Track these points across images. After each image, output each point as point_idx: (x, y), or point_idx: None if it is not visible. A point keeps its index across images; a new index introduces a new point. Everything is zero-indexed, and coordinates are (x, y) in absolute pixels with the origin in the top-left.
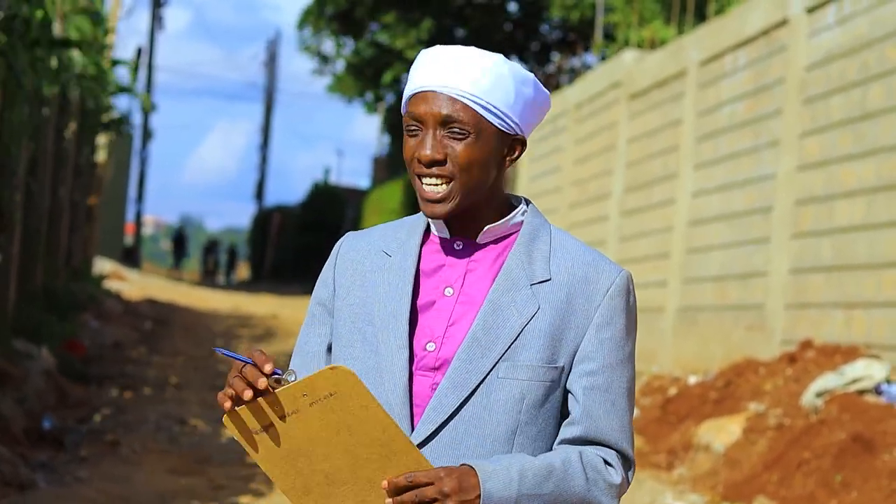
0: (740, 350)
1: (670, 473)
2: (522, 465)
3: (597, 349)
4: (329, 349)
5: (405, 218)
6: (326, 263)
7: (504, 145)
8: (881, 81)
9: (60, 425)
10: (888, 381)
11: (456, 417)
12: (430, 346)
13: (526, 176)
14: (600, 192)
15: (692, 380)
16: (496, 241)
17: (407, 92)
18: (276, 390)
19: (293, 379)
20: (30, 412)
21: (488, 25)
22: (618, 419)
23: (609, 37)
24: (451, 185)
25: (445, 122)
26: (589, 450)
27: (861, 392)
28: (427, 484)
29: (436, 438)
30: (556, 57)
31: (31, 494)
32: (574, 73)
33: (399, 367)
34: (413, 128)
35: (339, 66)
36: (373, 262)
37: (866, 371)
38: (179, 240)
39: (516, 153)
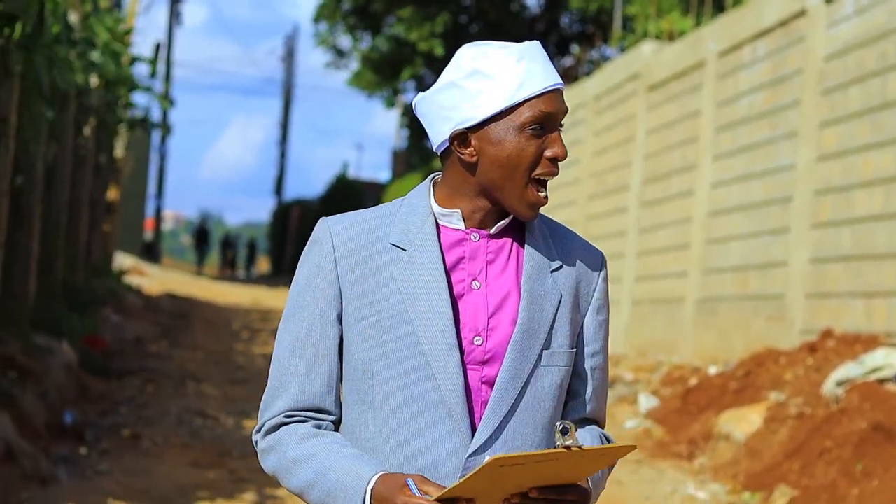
0: (760, 340)
1: (691, 463)
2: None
3: (597, 331)
4: (340, 350)
5: (390, 205)
6: (316, 252)
7: None
8: None
9: (81, 419)
10: None
11: (514, 410)
12: (478, 341)
13: None
14: (619, 184)
15: (712, 370)
16: (503, 232)
17: (525, 91)
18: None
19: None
20: (51, 406)
21: (506, 18)
22: (605, 399)
23: (627, 28)
24: None
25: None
26: (593, 429)
27: (881, 381)
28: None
29: (498, 432)
30: (574, 49)
31: (52, 488)
32: (593, 65)
33: (453, 366)
34: (536, 127)
35: (355, 60)
36: (383, 256)
37: (887, 360)
38: (202, 235)
39: None
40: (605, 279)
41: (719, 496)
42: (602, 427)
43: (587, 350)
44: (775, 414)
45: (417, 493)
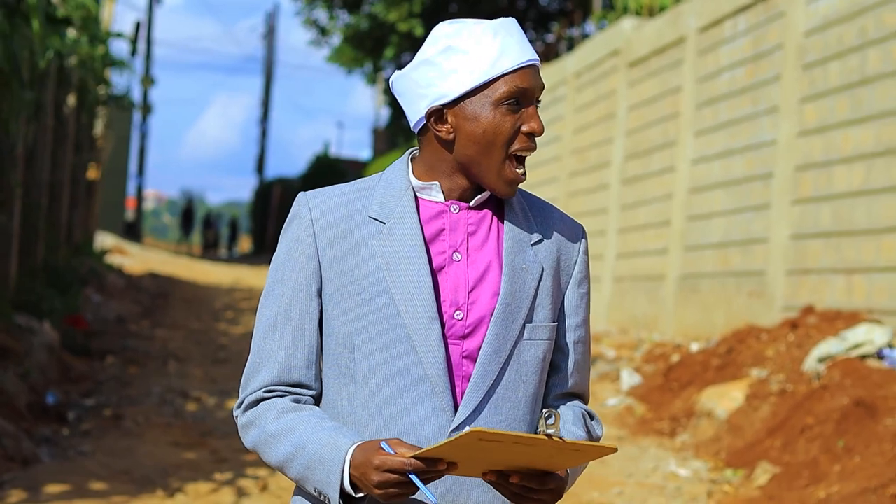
0: (742, 317)
1: (673, 440)
2: (574, 422)
3: (578, 304)
4: (320, 324)
5: (367, 179)
6: (295, 226)
7: None
8: (879, 46)
9: (63, 400)
10: (890, 346)
11: (497, 384)
12: (458, 315)
13: None
14: (600, 161)
15: (694, 347)
16: (483, 205)
17: (501, 66)
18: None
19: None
20: (32, 387)
21: None
22: (588, 373)
23: (608, 5)
24: None
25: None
26: (578, 405)
27: (863, 357)
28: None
29: (481, 407)
30: (554, 26)
31: (34, 469)
32: (573, 42)
33: (434, 339)
34: (512, 102)
35: (337, 38)
36: (362, 229)
37: (868, 336)
38: (188, 213)
39: None
40: (586, 252)
41: (701, 473)
42: (586, 402)
43: (569, 323)
44: (757, 391)
45: (393, 453)
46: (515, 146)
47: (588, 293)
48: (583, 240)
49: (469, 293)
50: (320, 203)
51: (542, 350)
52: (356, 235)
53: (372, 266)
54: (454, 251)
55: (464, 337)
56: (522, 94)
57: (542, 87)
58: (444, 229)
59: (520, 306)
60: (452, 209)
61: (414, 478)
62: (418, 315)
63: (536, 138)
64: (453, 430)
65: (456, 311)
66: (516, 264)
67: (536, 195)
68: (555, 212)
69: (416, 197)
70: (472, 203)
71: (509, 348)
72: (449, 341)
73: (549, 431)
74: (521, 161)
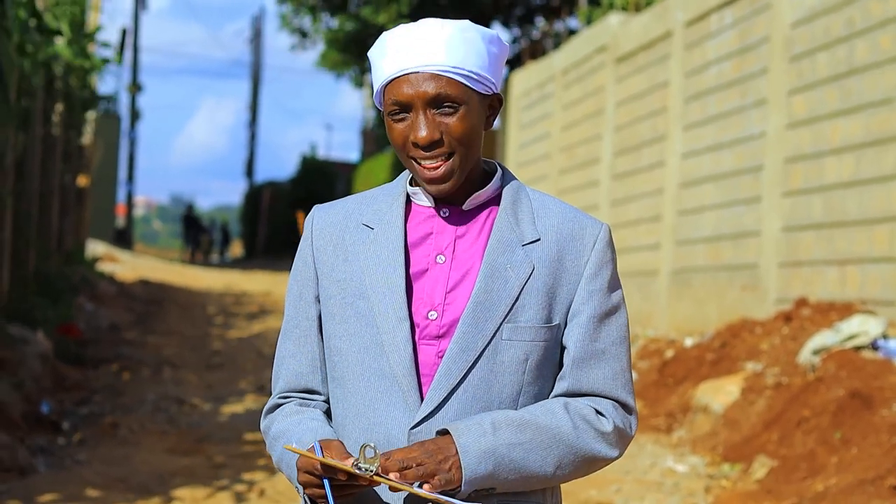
0: (735, 310)
1: (670, 436)
2: (494, 417)
3: (586, 301)
4: (320, 329)
5: (376, 189)
6: (302, 241)
7: (485, 107)
8: (866, 37)
9: (58, 409)
10: (884, 337)
11: (464, 382)
12: (433, 315)
13: (514, 143)
14: (590, 157)
15: (688, 342)
16: (480, 207)
17: (382, 78)
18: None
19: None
20: (27, 396)
21: None
22: (609, 368)
23: (593, 0)
24: (451, 160)
25: (435, 101)
26: (579, 400)
27: (858, 348)
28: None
29: (446, 405)
30: (540, 22)
31: (30, 479)
32: (559, 38)
33: (402, 339)
34: (398, 112)
35: (319, 41)
36: (353, 235)
37: (862, 327)
38: (189, 220)
39: (496, 111)
40: (605, 249)
41: (699, 468)
42: (611, 398)
43: (576, 321)
44: (752, 384)
45: (319, 456)
46: (412, 154)
47: (604, 289)
48: (599, 235)
49: (448, 294)
50: (322, 214)
51: (523, 351)
52: (348, 242)
53: (356, 271)
54: (438, 254)
55: (439, 336)
56: (404, 103)
57: (430, 94)
58: (431, 233)
59: (495, 306)
60: (442, 213)
61: (326, 482)
62: (388, 316)
63: (444, 144)
64: (413, 427)
65: (430, 311)
66: (497, 264)
67: (551, 196)
68: (566, 212)
69: (409, 202)
70: (465, 206)
71: (480, 347)
72: (423, 341)
73: (364, 466)
74: (430, 164)
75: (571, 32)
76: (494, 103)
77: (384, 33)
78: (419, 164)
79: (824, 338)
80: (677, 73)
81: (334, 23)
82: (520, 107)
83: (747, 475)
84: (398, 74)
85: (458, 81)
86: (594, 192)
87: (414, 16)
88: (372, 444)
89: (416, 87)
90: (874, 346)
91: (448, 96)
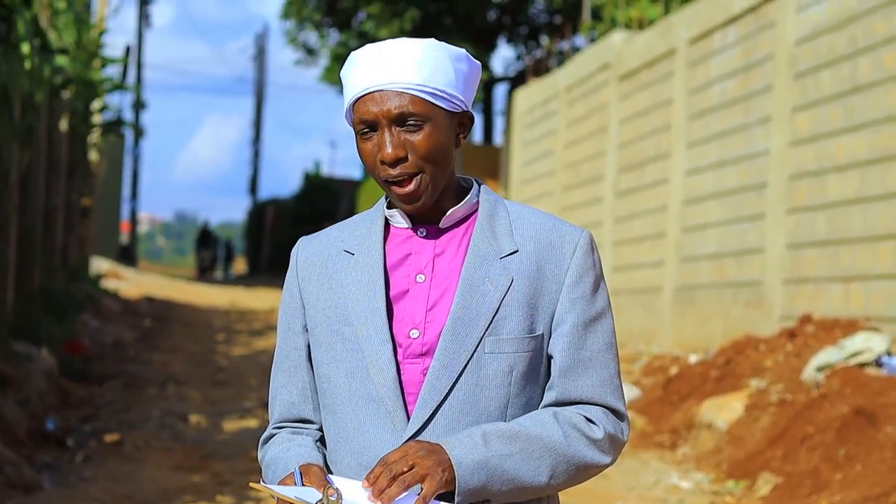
0: (740, 327)
1: (674, 453)
2: (485, 430)
3: (569, 310)
4: (309, 357)
5: (357, 215)
6: (288, 273)
7: (454, 125)
8: (869, 55)
9: (63, 426)
10: (888, 354)
11: (450, 398)
12: (414, 334)
13: (518, 160)
14: (594, 175)
15: (693, 359)
16: (457, 224)
17: (350, 97)
18: None
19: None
20: (32, 413)
21: (475, 12)
22: (597, 375)
23: (597, 17)
24: (420, 178)
25: (399, 119)
26: (568, 409)
27: (862, 365)
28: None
29: (433, 422)
30: (544, 40)
31: (36, 496)
32: (563, 56)
33: (385, 360)
34: (366, 131)
35: (324, 57)
36: (336, 263)
37: (866, 344)
38: (206, 240)
39: (466, 129)
40: (585, 256)
41: (703, 485)
42: (599, 405)
43: (560, 329)
44: (757, 401)
45: (299, 483)
46: (383, 175)
47: (584, 297)
48: (579, 243)
49: (429, 311)
50: (306, 245)
51: (507, 362)
52: (331, 269)
53: (340, 297)
54: (418, 273)
55: (422, 354)
56: (370, 121)
57: (394, 111)
58: (410, 253)
59: (475, 320)
60: (419, 233)
61: None
62: (371, 339)
63: (409, 161)
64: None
65: (412, 330)
66: (475, 279)
67: (530, 207)
68: (544, 222)
69: (388, 225)
70: (441, 224)
71: (462, 362)
72: (407, 361)
73: None
74: (399, 181)
75: (575, 50)
76: (465, 121)
77: (353, 52)
78: (389, 184)
79: (828, 355)
80: (681, 90)
81: (339, 38)
82: (524, 124)
83: (752, 492)
84: (364, 92)
85: (423, 99)
86: (598, 209)
87: (417, 32)
88: (335, 488)
89: (381, 105)
90: (878, 363)
91: (412, 113)
